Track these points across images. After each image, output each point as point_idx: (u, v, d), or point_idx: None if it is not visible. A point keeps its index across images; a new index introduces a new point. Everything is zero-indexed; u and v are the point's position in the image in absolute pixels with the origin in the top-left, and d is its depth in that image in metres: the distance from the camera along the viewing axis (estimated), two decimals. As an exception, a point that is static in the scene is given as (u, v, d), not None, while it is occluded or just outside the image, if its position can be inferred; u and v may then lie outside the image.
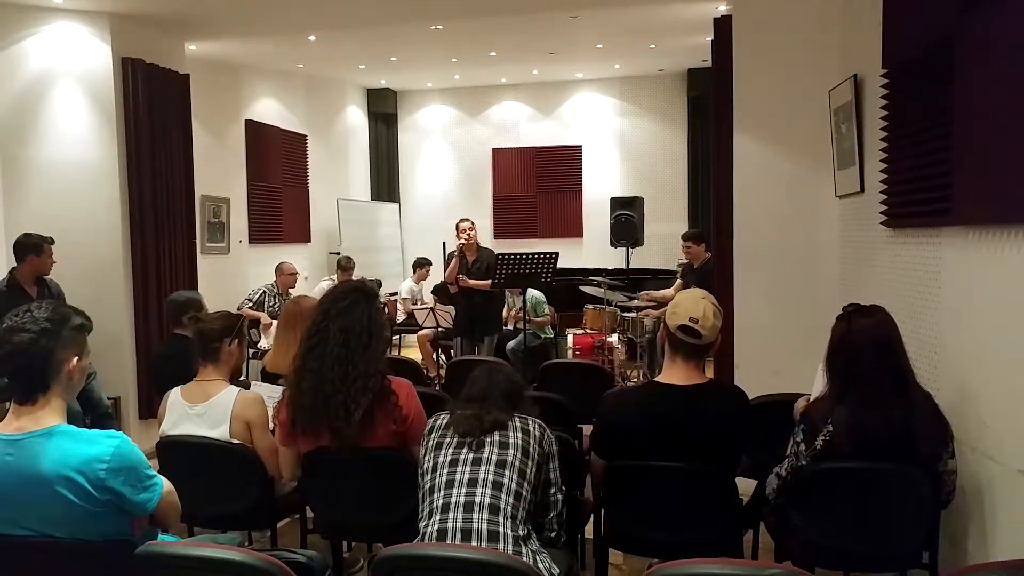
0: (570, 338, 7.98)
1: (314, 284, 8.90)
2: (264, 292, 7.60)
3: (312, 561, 2.51)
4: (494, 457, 2.44)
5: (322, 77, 10.74)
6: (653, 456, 2.70)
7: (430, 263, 9.24)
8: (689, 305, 2.75)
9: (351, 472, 2.89)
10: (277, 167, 9.79)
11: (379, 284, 9.86)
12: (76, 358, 2.19)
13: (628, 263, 9.82)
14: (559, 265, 6.33)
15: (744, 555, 3.05)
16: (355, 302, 2.90)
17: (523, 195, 11.68)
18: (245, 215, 9.17)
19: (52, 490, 2.04)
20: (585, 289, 8.58)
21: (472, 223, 6.73)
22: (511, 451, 2.46)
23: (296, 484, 3.16)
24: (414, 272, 9.29)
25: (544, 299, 7.71)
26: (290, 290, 7.60)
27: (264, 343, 7.13)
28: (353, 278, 8.49)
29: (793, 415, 2.96)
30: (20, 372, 2.12)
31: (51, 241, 5.34)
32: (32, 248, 5.27)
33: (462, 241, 6.59)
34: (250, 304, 7.50)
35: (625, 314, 7.82)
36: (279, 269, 7.72)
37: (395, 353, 8.30)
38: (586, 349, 7.58)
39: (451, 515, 2.35)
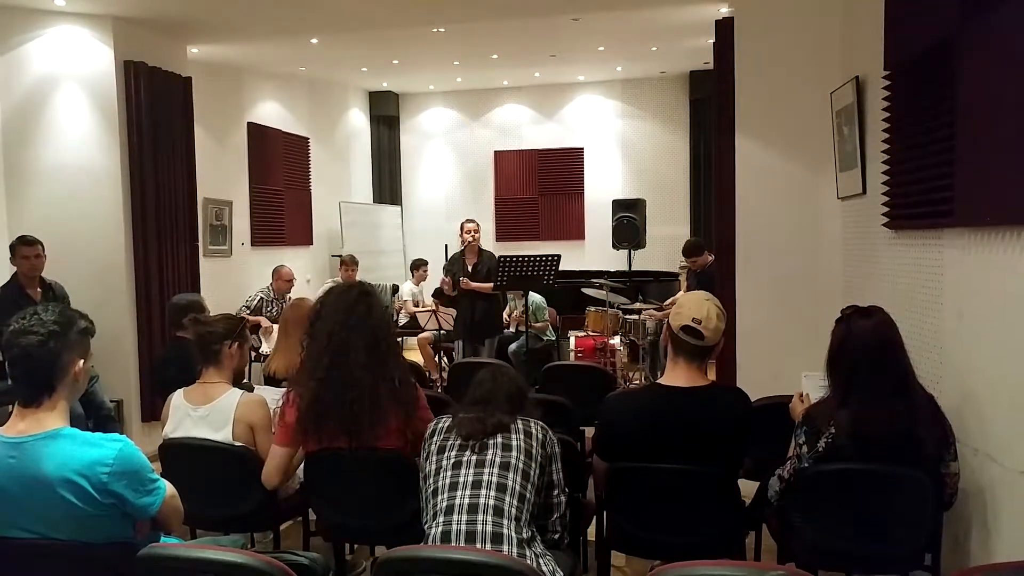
0: (572, 340, 7.98)
1: (317, 287, 8.89)
2: (261, 298, 7.56)
3: (314, 563, 2.52)
4: (497, 459, 2.45)
5: (324, 80, 10.75)
6: (655, 458, 2.70)
7: (426, 263, 9.23)
8: (693, 306, 2.76)
9: (354, 474, 2.89)
10: (279, 170, 9.80)
11: (395, 289, 9.86)
12: (81, 361, 2.20)
13: (630, 265, 9.82)
14: (561, 267, 6.33)
15: (746, 557, 3.05)
16: (371, 306, 2.92)
17: (525, 197, 11.68)
18: (247, 218, 9.17)
19: (54, 493, 2.04)
20: (587, 291, 8.58)
21: (477, 225, 6.72)
22: (514, 453, 2.47)
23: (299, 486, 3.16)
24: (412, 275, 9.28)
25: (544, 304, 7.71)
26: (287, 295, 7.56)
27: (265, 347, 7.12)
28: (356, 277, 8.47)
29: (791, 414, 2.97)
30: (27, 374, 2.13)
31: (30, 242, 5.27)
32: (10, 250, 5.29)
33: (466, 242, 6.58)
34: (248, 311, 7.43)
35: (627, 316, 7.82)
36: (277, 273, 7.65)
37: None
38: (588, 351, 7.58)
39: (455, 517, 2.35)
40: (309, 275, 9.89)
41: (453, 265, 6.82)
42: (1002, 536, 2.58)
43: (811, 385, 3.07)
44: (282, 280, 7.61)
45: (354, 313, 2.87)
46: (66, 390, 2.18)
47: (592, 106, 11.55)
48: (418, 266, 9.23)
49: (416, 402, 2.92)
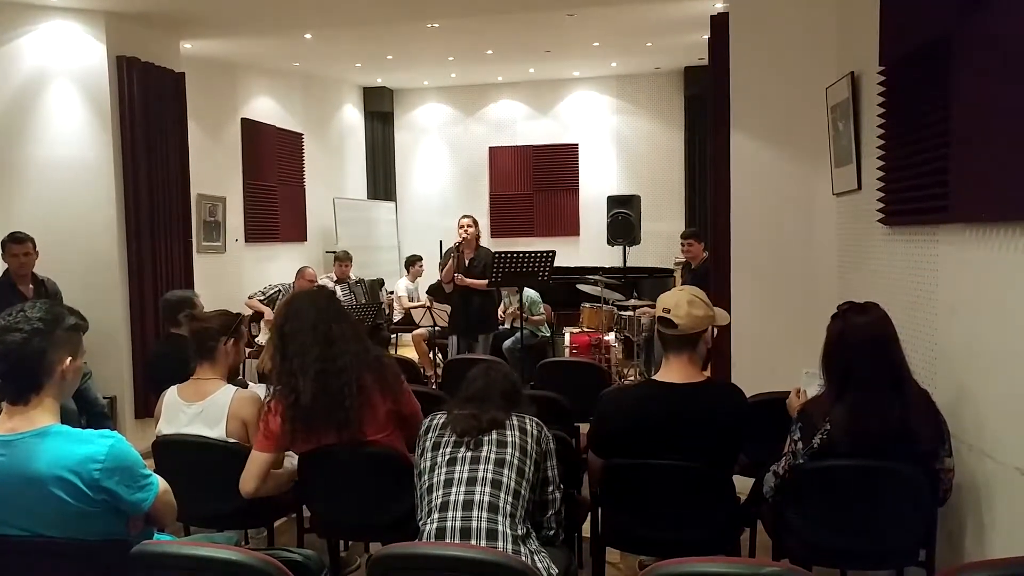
0: (567, 337, 7.98)
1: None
2: (279, 290, 7.59)
3: (309, 560, 2.50)
4: (492, 456, 2.44)
5: (318, 75, 10.73)
6: (650, 454, 2.70)
7: (420, 259, 9.23)
8: (664, 299, 2.84)
9: (348, 470, 2.89)
10: (273, 166, 9.78)
11: (381, 283, 9.85)
12: (70, 358, 2.18)
13: (625, 262, 9.83)
14: (556, 264, 6.33)
15: (741, 553, 3.05)
16: (338, 303, 3.02)
17: (520, 193, 11.68)
18: (241, 214, 9.16)
19: (46, 490, 2.03)
20: (582, 288, 8.58)
21: (473, 220, 6.69)
22: (509, 450, 2.46)
23: (293, 483, 3.15)
24: (407, 271, 9.26)
25: (539, 298, 7.70)
26: None
27: (262, 339, 7.11)
28: (350, 274, 8.50)
29: (788, 410, 2.97)
30: (12, 372, 2.10)
31: (20, 239, 5.26)
32: (0, 246, 5.27)
33: (462, 238, 6.54)
34: (262, 298, 7.50)
35: (622, 312, 7.82)
36: (301, 273, 7.68)
37: (391, 352, 8.29)
38: (583, 348, 7.57)
39: (450, 513, 2.35)
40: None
41: (447, 258, 6.76)
42: (997, 532, 2.59)
43: (810, 382, 3.07)
44: (304, 280, 7.61)
45: (330, 309, 2.94)
46: (54, 387, 2.16)
47: (587, 102, 11.55)
48: (413, 262, 9.21)
49: (399, 383, 2.96)
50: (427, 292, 9.00)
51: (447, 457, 2.48)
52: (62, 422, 2.16)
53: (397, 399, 2.94)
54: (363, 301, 8.35)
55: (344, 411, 2.79)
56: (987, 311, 2.67)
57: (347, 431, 2.81)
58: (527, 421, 2.58)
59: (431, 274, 8.90)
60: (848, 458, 2.57)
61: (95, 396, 5.48)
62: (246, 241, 9.20)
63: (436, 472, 2.46)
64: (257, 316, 7.28)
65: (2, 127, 6.00)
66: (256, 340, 7.14)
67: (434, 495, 2.42)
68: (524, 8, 7.17)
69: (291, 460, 3.08)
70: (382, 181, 12.00)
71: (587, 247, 11.25)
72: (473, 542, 2.28)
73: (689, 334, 2.77)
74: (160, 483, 2.24)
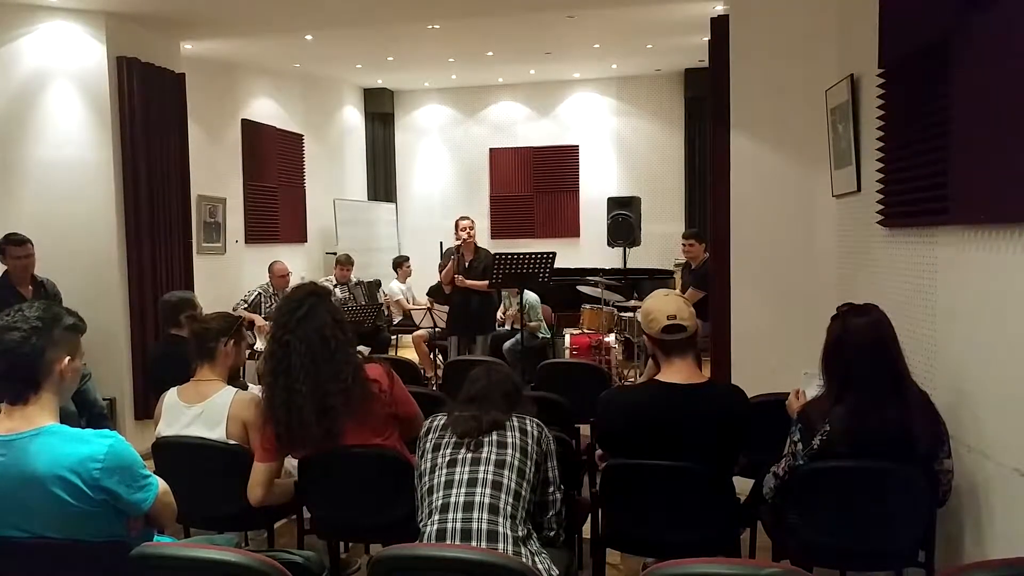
0: (567, 338, 7.97)
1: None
2: (260, 293, 7.52)
3: (309, 562, 2.51)
4: (493, 457, 2.45)
5: (319, 77, 10.73)
6: (651, 455, 2.70)
7: (408, 259, 9.23)
8: (662, 307, 2.81)
9: (348, 472, 2.89)
10: (273, 167, 9.78)
11: (378, 284, 9.86)
12: (68, 358, 2.18)
13: (625, 263, 9.83)
14: (556, 265, 6.33)
15: (741, 554, 3.05)
16: (313, 307, 2.87)
17: (520, 195, 11.68)
18: (241, 215, 9.16)
19: (46, 490, 2.03)
20: (582, 289, 8.58)
21: (472, 222, 6.69)
22: (510, 451, 2.47)
23: (293, 484, 3.15)
24: (396, 273, 9.24)
25: (538, 303, 7.70)
26: (286, 291, 7.50)
27: (260, 345, 7.09)
28: (351, 276, 8.50)
29: (787, 411, 2.98)
30: (10, 372, 2.11)
31: (19, 241, 5.24)
32: None
33: (462, 239, 6.55)
34: (245, 306, 7.41)
35: (622, 314, 7.83)
36: (271, 270, 7.61)
37: (392, 354, 8.29)
38: (583, 349, 7.57)
39: (451, 515, 2.35)
40: (303, 273, 9.86)
41: (447, 259, 6.77)
42: (995, 533, 2.59)
43: (809, 383, 3.08)
44: (276, 276, 7.55)
45: (295, 316, 2.85)
46: (53, 387, 2.16)
47: (587, 103, 11.55)
48: (401, 263, 9.22)
49: (369, 398, 2.87)
50: (427, 293, 9.00)
51: (447, 459, 2.48)
52: (62, 424, 2.16)
53: (390, 405, 2.91)
54: (363, 303, 8.34)
55: (325, 422, 2.78)
56: (986, 313, 2.67)
57: (329, 441, 2.80)
58: (527, 422, 2.58)
59: (428, 275, 8.89)
60: (847, 459, 2.58)
61: (95, 397, 5.48)
62: (246, 242, 9.20)
63: (436, 474, 2.46)
64: (249, 325, 7.24)
65: (2, 127, 6.00)
66: (255, 348, 7.11)
67: (434, 496, 2.42)
68: (524, 9, 7.17)
69: (292, 462, 3.08)
70: (382, 182, 12.01)
71: (587, 248, 11.26)
72: (474, 544, 2.28)
73: (692, 334, 2.79)
74: (160, 484, 2.24)
